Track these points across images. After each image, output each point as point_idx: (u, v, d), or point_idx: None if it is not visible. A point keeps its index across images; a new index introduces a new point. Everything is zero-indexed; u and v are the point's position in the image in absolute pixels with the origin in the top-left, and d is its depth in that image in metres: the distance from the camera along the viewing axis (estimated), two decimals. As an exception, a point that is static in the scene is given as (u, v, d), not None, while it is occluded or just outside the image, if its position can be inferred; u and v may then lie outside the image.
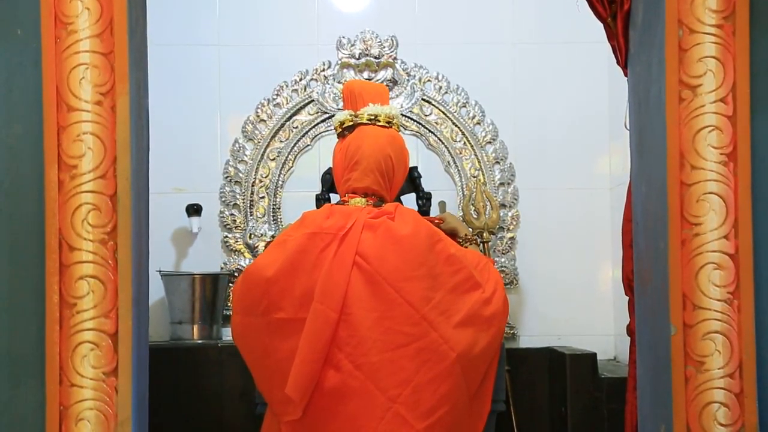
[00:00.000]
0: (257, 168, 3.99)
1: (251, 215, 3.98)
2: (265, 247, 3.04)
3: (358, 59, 3.99)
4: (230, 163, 4.00)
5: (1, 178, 2.33)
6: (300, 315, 2.65)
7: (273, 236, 3.14)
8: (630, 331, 2.91)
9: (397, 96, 3.98)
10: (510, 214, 4.02)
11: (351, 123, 2.95)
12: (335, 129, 3.04)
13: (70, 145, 2.31)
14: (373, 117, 2.95)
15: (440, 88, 4.03)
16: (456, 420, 2.73)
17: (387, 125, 2.94)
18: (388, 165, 2.90)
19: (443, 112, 4.03)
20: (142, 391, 2.43)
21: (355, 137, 2.93)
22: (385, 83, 3.95)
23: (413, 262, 2.71)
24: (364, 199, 2.87)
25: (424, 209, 3.65)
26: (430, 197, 3.69)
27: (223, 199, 4.00)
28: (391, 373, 2.64)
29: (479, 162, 4.00)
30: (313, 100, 4.01)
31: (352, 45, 4.00)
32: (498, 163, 4.02)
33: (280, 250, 2.75)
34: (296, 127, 4.01)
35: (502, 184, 4.02)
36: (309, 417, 2.66)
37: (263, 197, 3.99)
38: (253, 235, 3.94)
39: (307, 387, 2.62)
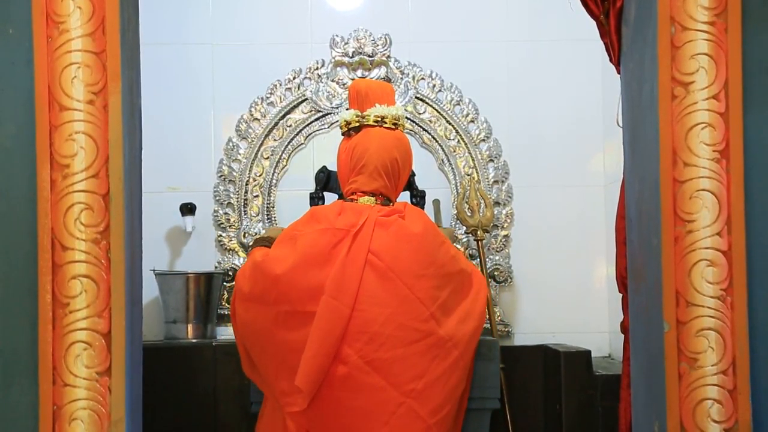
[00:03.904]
0: (251, 167, 3.99)
1: (245, 214, 3.98)
2: (253, 241, 3.08)
3: (351, 57, 3.98)
4: (224, 161, 4.00)
5: (-7, 177, 2.33)
6: (308, 308, 2.69)
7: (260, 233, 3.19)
8: (624, 328, 2.92)
9: (390, 94, 3.97)
10: (504, 212, 4.02)
11: (357, 124, 2.99)
12: (340, 127, 3.08)
13: (63, 145, 2.31)
14: (379, 119, 2.99)
15: (434, 86, 4.03)
16: (455, 414, 2.84)
17: (393, 127, 2.99)
18: (395, 168, 2.96)
19: (437, 110, 4.02)
20: (136, 391, 2.43)
21: (362, 139, 2.96)
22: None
23: (424, 260, 2.79)
24: (373, 198, 2.92)
25: (417, 207, 3.64)
26: (424, 195, 3.69)
27: (217, 197, 3.99)
28: (404, 369, 2.70)
29: (473, 160, 4.00)
30: (306, 99, 4.01)
31: (346, 43, 3.99)
32: (492, 161, 4.02)
33: (290, 246, 2.79)
34: (290, 126, 4.01)
35: (496, 182, 4.02)
36: (316, 409, 2.70)
37: (257, 196, 3.99)
38: (247, 234, 3.94)
39: (316, 380, 2.66)
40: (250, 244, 3.13)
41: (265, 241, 3.01)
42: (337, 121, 3.96)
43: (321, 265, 2.73)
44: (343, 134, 3.07)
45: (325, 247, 2.75)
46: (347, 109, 3.09)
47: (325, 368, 2.66)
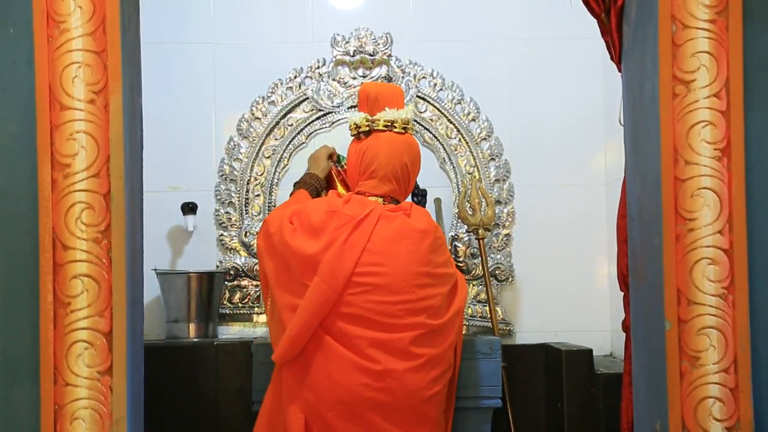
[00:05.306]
0: (252, 166, 3.99)
1: (246, 213, 3.98)
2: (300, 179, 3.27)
3: (352, 56, 3.98)
4: (225, 161, 4.00)
5: (-6, 177, 2.33)
6: (305, 281, 2.80)
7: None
8: (625, 326, 2.92)
9: (391, 93, 3.97)
10: (505, 210, 4.02)
11: (367, 128, 3.02)
12: (350, 129, 3.09)
13: (63, 144, 2.31)
14: (389, 123, 3.02)
15: (435, 85, 4.03)
16: (443, 401, 2.92)
17: (403, 131, 3.02)
18: (405, 173, 3.02)
19: (438, 109, 4.02)
20: (138, 390, 2.43)
21: (372, 144, 3.01)
22: (379, 80, 3.94)
23: (423, 257, 2.87)
24: (381, 199, 3.00)
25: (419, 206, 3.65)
26: (426, 194, 3.69)
27: (218, 197, 3.99)
28: (394, 350, 2.78)
29: (474, 159, 4.00)
30: (307, 98, 4.01)
31: (347, 42, 3.99)
32: (493, 159, 4.02)
33: (304, 220, 2.89)
34: (291, 125, 4.01)
35: (497, 180, 4.02)
36: (305, 362, 2.80)
37: (258, 195, 3.99)
38: (248, 233, 3.94)
39: (291, 355, 2.79)
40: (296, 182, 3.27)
41: (306, 184, 3.17)
42: (339, 120, 3.96)
43: (323, 243, 2.81)
44: (352, 136, 3.10)
45: (328, 225, 2.84)
46: (356, 111, 3.11)
47: (303, 344, 2.77)
